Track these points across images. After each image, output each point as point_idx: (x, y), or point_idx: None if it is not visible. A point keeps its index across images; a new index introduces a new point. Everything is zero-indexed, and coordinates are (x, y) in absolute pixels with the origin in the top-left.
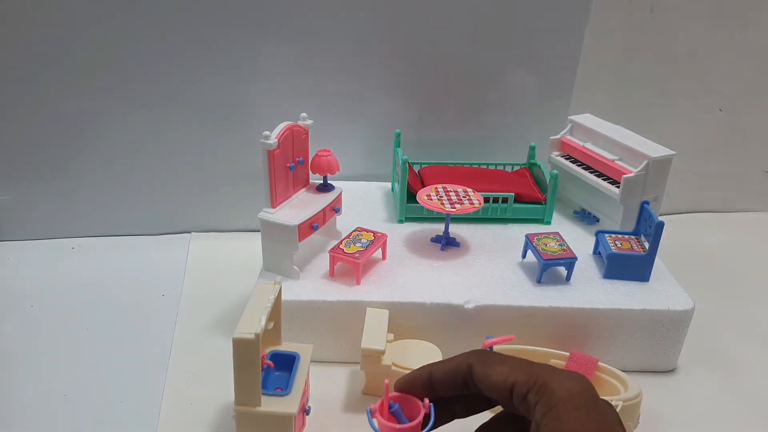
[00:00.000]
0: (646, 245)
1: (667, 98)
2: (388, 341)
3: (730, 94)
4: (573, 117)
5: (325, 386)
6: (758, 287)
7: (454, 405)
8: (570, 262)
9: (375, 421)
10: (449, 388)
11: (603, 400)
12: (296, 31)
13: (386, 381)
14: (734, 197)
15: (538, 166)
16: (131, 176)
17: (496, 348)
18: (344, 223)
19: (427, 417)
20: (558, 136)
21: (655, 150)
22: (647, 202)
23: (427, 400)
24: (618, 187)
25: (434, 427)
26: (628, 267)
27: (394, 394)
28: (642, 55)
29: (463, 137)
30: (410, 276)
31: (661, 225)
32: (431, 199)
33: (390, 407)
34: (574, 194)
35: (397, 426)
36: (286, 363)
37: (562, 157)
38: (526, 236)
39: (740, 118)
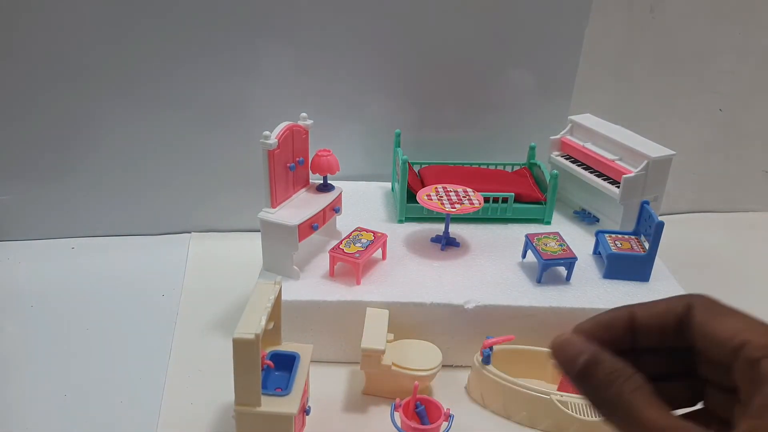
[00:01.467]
0: (646, 245)
1: (667, 98)
2: (388, 341)
3: (730, 94)
4: (573, 117)
5: (325, 386)
6: (758, 287)
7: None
8: (570, 262)
9: (397, 415)
10: (654, 334)
11: None
12: (296, 32)
13: (416, 383)
14: (734, 197)
15: (538, 166)
16: (131, 176)
17: (496, 348)
18: (344, 223)
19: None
20: (558, 136)
21: (655, 150)
22: (647, 202)
23: (449, 409)
24: (618, 187)
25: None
26: (628, 267)
27: (421, 396)
28: (642, 55)
29: (463, 137)
30: (410, 276)
31: (661, 225)
32: (431, 199)
33: (416, 407)
34: (574, 194)
35: (420, 426)
36: (286, 363)
37: (562, 157)
38: (526, 236)
39: (740, 118)
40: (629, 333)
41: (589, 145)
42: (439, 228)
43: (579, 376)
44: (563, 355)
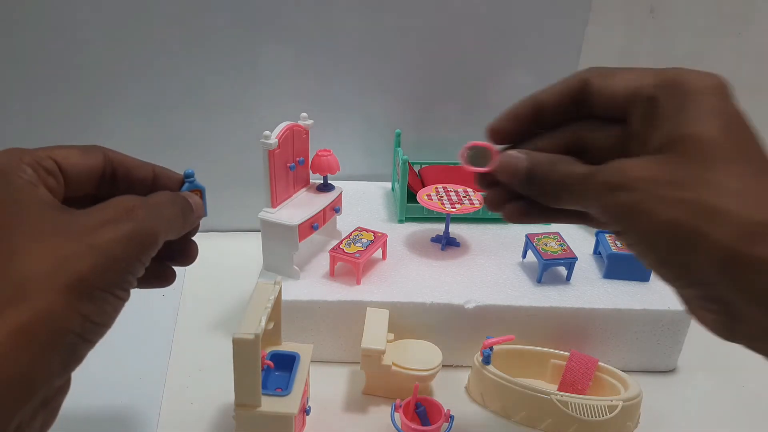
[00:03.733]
0: None
1: None
2: (388, 341)
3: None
4: None
5: (325, 386)
6: None
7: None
8: (570, 262)
9: (397, 416)
10: (556, 108)
11: None
12: (296, 31)
13: (416, 384)
14: None
15: None
16: None
17: (496, 348)
18: (344, 223)
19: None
20: None
21: None
22: None
23: (449, 410)
24: None
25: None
26: (628, 267)
27: (421, 397)
28: (642, 55)
29: (463, 137)
30: (410, 276)
31: None
32: (431, 199)
33: (416, 407)
34: None
35: (420, 427)
36: (286, 363)
37: None
38: (526, 236)
39: None
40: (534, 117)
41: None
42: (439, 228)
43: (528, 177)
44: (508, 170)
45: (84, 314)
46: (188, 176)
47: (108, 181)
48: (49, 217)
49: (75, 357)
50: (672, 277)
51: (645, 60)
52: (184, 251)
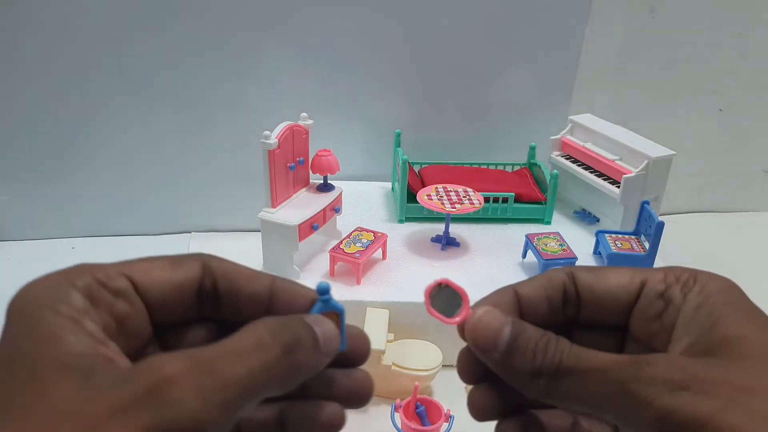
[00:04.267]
0: (647, 245)
1: (667, 98)
2: (388, 341)
3: (730, 94)
4: (573, 117)
5: None
6: (758, 287)
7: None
8: (570, 262)
9: (397, 416)
10: (541, 308)
11: None
12: (296, 31)
13: (416, 384)
14: (734, 197)
15: (539, 166)
16: (131, 176)
17: None
18: (344, 223)
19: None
20: (558, 136)
21: (655, 150)
22: (647, 202)
23: (449, 410)
24: (618, 187)
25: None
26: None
27: (421, 397)
28: (642, 55)
29: (463, 137)
30: (410, 276)
31: (661, 225)
32: (431, 199)
33: (416, 407)
34: (575, 194)
35: (421, 427)
36: None
37: (562, 157)
38: (527, 236)
39: (740, 118)
40: (516, 312)
41: (589, 145)
42: (439, 228)
43: (507, 351)
44: (482, 334)
45: None
46: (322, 292)
47: (210, 300)
48: (56, 393)
49: None
50: None
51: (645, 60)
52: (343, 387)
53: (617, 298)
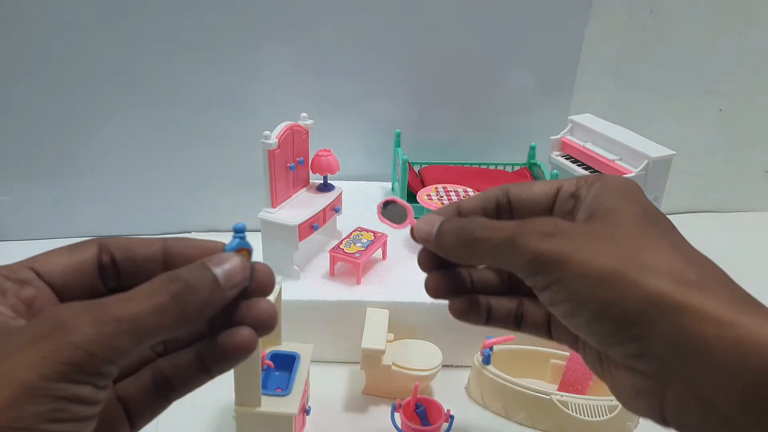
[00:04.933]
0: None
1: (667, 98)
2: (388, 341)
3: (730, 94)
4: (573, 117)
5: (325, 386)
6: (758, 287)
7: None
8: None
9: (397, 416)
10: (479, 212)
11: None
12: (296, 31)
13: (417, 383)
14: (734, 197)
15: (538, 166)
16: (131, 176)
17: (496, 348)
18: (344, 223)
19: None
20: (558, 136)
21: (655, 150)
22: None
23: (449, 410)
24: None
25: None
26: None
27: (421, 397)
28: (642, 55)
29: (463, 137)
30: (410, 276)
31: None
32: (431, 199)
33: (416, 407)
34: None
35: (421, 427)
36: (286, 363)
37: (562, 157)
38: None
39: (740, 118)
40: (500, 208)
41: (589, 145)
42: None
43: (438, 236)
44: (422, 230)
45: None
46: (238, 230)
47: (112, 274)
48: None
49: None
50: (606, 335)
51: (645, 60)
52: (248, 317)
53: (539, 202)
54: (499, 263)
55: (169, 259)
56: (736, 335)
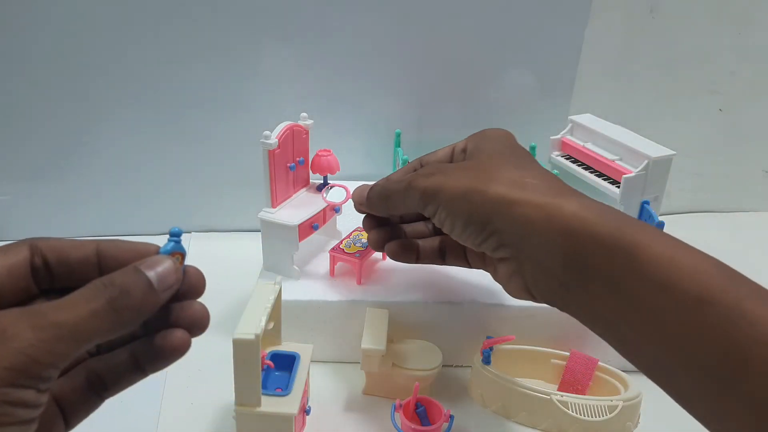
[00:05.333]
0: None
1: (667, 98)
2: (388, 341)
3: (730, 94)
4: (573, 117)
5: (325, 386)
6: None
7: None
8: None
9: (397, 416)
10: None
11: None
12: (296, 31)
13: (417, 383)
14: (734, 197)
15: None
16: (131, 176)
17: (496, 348)
18: (344, 223)
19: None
20: (558, 136)
21: (655, 150)
22: (647, 202)
23: (449, 410)
24: (618, 187)
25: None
26: None
27: (421, 397)
28: (642, 55)
29: (464, 137)
30: (410, 276)
31: (661, 225)
32: None
33: (416, 407)
34: None
35: (421, 427)
36: (286, 363)
37: (562, 157)
38: None
39: (740, 118)
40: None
41: (589, 145)
42: None
43: (368, 198)
44: (356, 197)
45: None
46: (174, 234)
47: (45, 276)
48: None
49: None
50: (474, 235)
51: (645, 60)
52: (183, 320)
53: (442, 161)
54: (407, 206)
55: (102, 261)
56: (548, 213)
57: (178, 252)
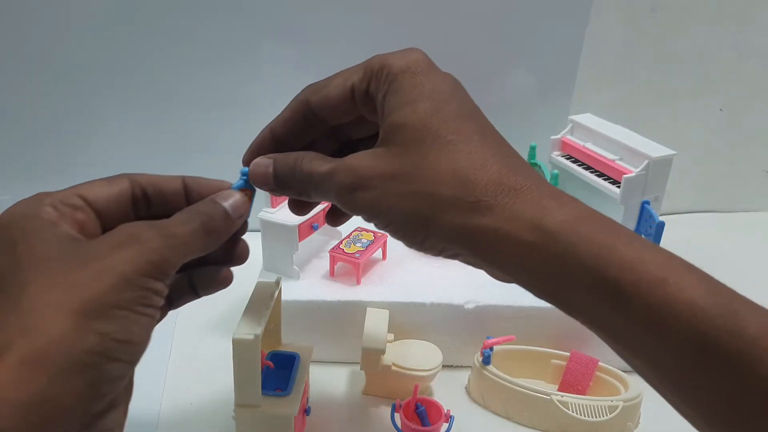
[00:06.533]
0: None
1: (667, 98)
2: (388, 341)
3: (730, 94)
4: (573, 117)
5: (325, 386)
6: (758, 287)
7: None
8: None
9: (397, 416)
10: (291, 131)
11: (440, 70)
12: (297, 31)
13: (416, 384)
14: (734, 197)
15: (539, 166)
16: None
17: (496, 348)
18: (344, 223)
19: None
20: (559, 136)
21: (656, 150)
22: (648, 203)
23: (449, 410)
24: (618, 187)
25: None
26: None
27: (421, 397)
28: (642, 55)
29: None
30: (410, 276)
31: (662, 225)
32: None
33: (416, 408)
34: (575, 194)
35: (420, 427)
36: (286, 363)
37: (562, 156)
38: None
39: (740, 118)
40: (274, 145)
41: (589, 145)
42: None
43: (276, 181)
44: (257, 177)
45: (102, 333)
46: (244, 173)
47: (143, 204)
48: (62, 250)
49: (104, 377)
50: (417, 247)
51: (645, 60)
52: (230, 252)
53: (341, 107)
54: (322, 195)
55: (188, 194)
56: (494, 225)
57: (247, 189)
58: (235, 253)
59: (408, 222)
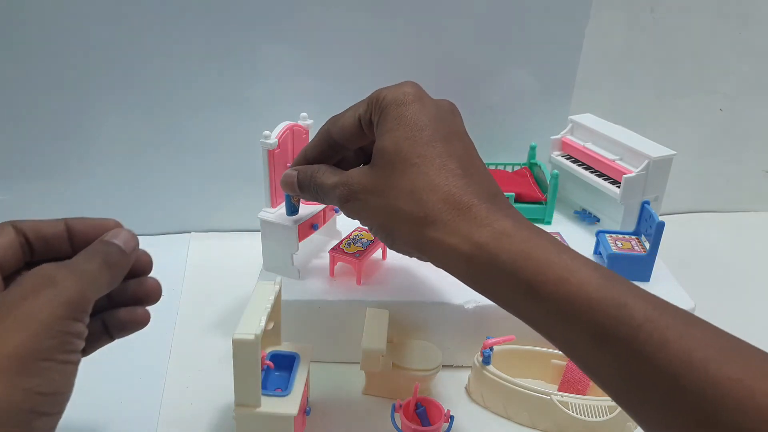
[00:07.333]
0: (647, 245)
1: (667, 98)
2: (388, 341)
3: (730, 94)
4: (573, 117)
5: (325, 386)
6: (758, 287)
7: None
8: None
9: (397, 416)
10: (321, 155)
11: (432, 98)
12: (297, 31)
13: (416, 384)
14: (734, 197)
15: (539, 166)
16: (131, 176)
17: (496, 348)
18: (344, 223)
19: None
20: (558, 136)
21: (656, 150)
22: (648, 202)
23: (449, 410)
24: (618, 187)
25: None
26: (628, 267)
27: (421, 397)
28: (642, 54)
29: None
30: (410, 276)
31: (661, 225)
32: None
33: (416, 408)
34: (575, 194)
35: (420, 427)
36: (286, 363)
37: (562, 156)
38: None
39: (740, 118)
40: (332, 147)
41: (589, 145)
42: None
43: (299, 188)
44: (286, 186)
45: (27, 388)
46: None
47: (29, 252)
48: None
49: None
50: (392, 249)
51: (645, 60)
52: (141, 291)
53: (350, 131)
54: (332, 202)
55: (72, 235)
56: (439, 237)
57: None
58: (146, 291)
59: (378, 230)
